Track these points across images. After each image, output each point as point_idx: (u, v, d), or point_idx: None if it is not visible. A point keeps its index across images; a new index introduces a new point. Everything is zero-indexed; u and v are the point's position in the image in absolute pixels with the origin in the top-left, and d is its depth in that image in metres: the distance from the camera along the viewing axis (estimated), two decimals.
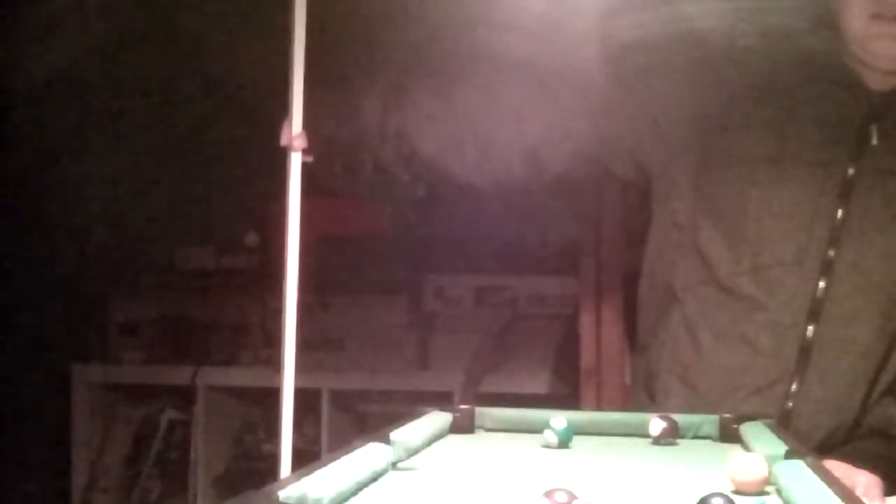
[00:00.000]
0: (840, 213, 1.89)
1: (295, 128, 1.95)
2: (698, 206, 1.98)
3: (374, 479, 1.35)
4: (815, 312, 1.89)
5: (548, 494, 1.16)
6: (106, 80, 3.70)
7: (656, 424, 1.71)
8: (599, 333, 2.71)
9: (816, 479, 1.23)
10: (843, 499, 1.14)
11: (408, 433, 1.53)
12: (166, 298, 3.70)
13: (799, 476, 1.26)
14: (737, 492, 1.28)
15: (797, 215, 1.91)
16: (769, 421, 1.69)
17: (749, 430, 1.65)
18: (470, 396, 3.11)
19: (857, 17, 1.91)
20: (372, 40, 2.95)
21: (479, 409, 1.82)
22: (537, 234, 3.30)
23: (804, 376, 1.89)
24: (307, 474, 1.21)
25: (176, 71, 3.60)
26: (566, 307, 3.27)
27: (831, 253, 1.89)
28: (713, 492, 1.15)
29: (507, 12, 2.42)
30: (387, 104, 2.06)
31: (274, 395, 1.97)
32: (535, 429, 1.71)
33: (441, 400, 2.79)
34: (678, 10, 2.28)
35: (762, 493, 1.29)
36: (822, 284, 1.89)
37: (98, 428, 3.73)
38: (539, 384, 3.24)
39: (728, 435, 1.71)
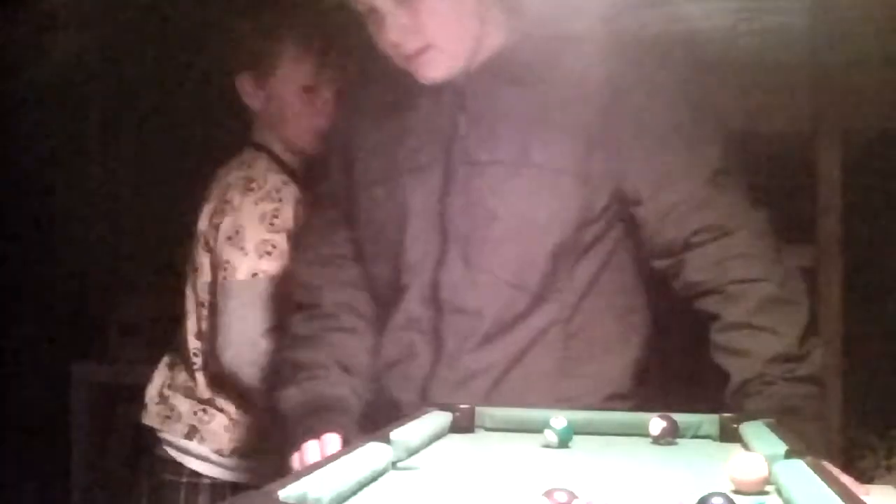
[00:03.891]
0: (447, 201, 1.93)
1: None
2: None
3: (374, 478, 1.35)
4: (438, 305, 1.92)
5: (548, 494, 1.16)
6: (107, 80, 3.70)
7: (656, 424, 1.71)
8: None
9: (816, 478, 1.23)
10: (843, 499, 1.14)
11: (408, 433, 1.53)
12: (166, 298, 3.70)
13: (799, 476, 1.26)
14: (737, 491, 1.28)
15: (421, 222, 1.93)
16: (769, 420, 1.69)
17: (749, 429, 1.65)
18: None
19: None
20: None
21: (479, 409, 1.82)
22: None
23: (438, 364, 1.91)
24: (307, 474, 1.21)
25: (177, 70, 3.60)
26: None
27: (442, 251, 1.92)
28: (713, 492, 1.15)
29: None
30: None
31: None
32: (535, 428, 1.71)
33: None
34: None
35: (762, 492, 1.29)
36: (441, 277, 1.91)
37: (98, 428, 3.73)
38: None
39: (728, 434, 1.71)
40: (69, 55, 3.56)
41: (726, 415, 1.75)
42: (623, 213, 1.93)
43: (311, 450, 1.75)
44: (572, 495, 1.16)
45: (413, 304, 1.94)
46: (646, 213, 1.90)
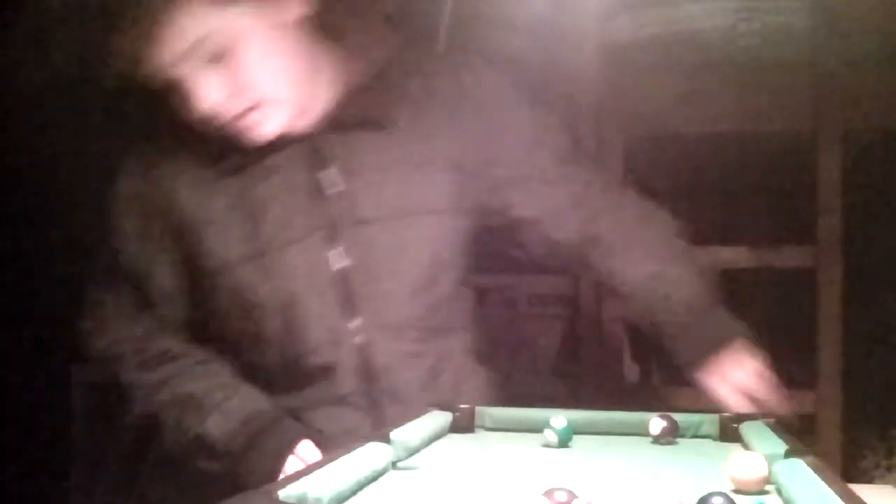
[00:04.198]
0: (342, 268, 1.81)
1: None
2: None
3: (374, 478, 1.35)
4: (369, 374, 1.84)
5: (548, 494, 1.16)
6: (107, 80, 3.69)
7: (656, 424, 1.71)
8: (600, 333, 2.71)
9: (816, 478, 1.23)
10: (843, 498, 1.14)
11: (408, 432, 1.53)
12: None
13: (799, 475, 1.26)
14: (737, 491, 1.28)
15: (317, 295, 1.80)
16: (769, 420, 1.69)
17: (749, 429, 1.65)
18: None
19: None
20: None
21: (479, 409, 1.83)
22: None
23: None
24: (307, 474, 1.21)
25: None
26: (566, 307, 3.26)
27: (356, 322, 1.82)
28: (713, 491, 1.15)
29: None
30: None
31: None
32: (535, 428, 1.71)
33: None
34: None
35: (762, 492, 1.29)
36: (367, 347, 1.83)
37: (98, 428, 3.72)
38: (539, 384, 3.23)
39: (728, 434, 1.71)
40: (69, 55, 3.56)
41: (726, 414, 1.75)
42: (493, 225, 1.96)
43: (296, 466, 1.69)
44: (572, 495, 1.16)
45: (341, 382, 1.83)
46: (518, 213, 1.94)
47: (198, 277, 1.84)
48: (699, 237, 2.60)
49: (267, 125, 1.76)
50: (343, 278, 1.81)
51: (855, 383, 2.61)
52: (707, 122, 2.53)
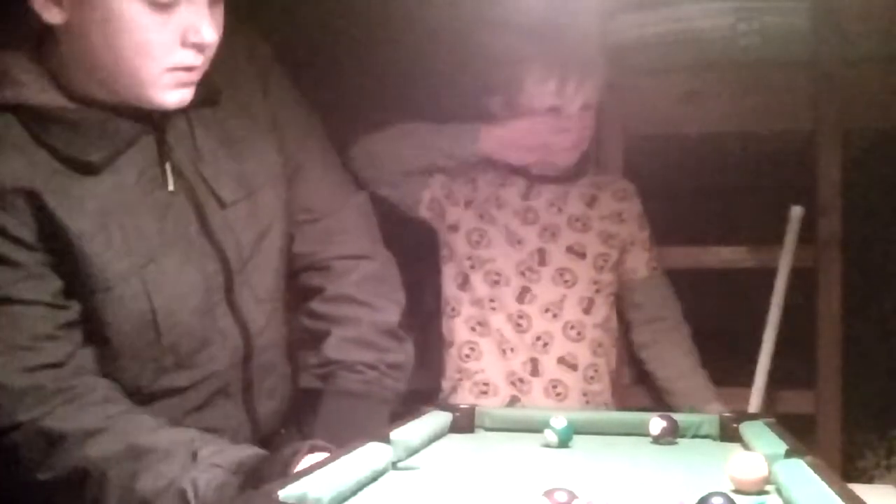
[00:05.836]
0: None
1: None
2: None
3: (374, 478, 1.36)
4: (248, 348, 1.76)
5: (548, 494, 1.17)
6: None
7: (656, 424, 1.71)
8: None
9: (816, 478, 1.24)
10: (843, 498, 1.14)
11: (407, 433, 1.54)
12: None
13: (799, 475, 1.26)
14: (737, 491, 1.28)
15: (201, 297, 1.67)
16: (769, 420, 1.69)
17: (749, 429, 1.65)
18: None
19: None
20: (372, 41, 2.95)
21: (479, 409, 1.83)
22: None
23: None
24: (307, 474, 1.21)
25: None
26: None
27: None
28: (713, 491, 1.16)
29: None
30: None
31: None
32: (535, 428, 1.71)
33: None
34: None
35: (762, 492, 1.29)
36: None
37: None
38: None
39: (728, 434, 1.71)
40: None
41: (726, 414, 1.76)
42: None
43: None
44: (572, 495, 1.17)
45: (223, 368, 1.73)
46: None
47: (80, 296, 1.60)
48: (699, 237, 2.61)
49: (188, 91, 1.53)
50: (224, 268, 1.70)
51: (855, 383, 2.60)
52: (707, 122, 2.53)
